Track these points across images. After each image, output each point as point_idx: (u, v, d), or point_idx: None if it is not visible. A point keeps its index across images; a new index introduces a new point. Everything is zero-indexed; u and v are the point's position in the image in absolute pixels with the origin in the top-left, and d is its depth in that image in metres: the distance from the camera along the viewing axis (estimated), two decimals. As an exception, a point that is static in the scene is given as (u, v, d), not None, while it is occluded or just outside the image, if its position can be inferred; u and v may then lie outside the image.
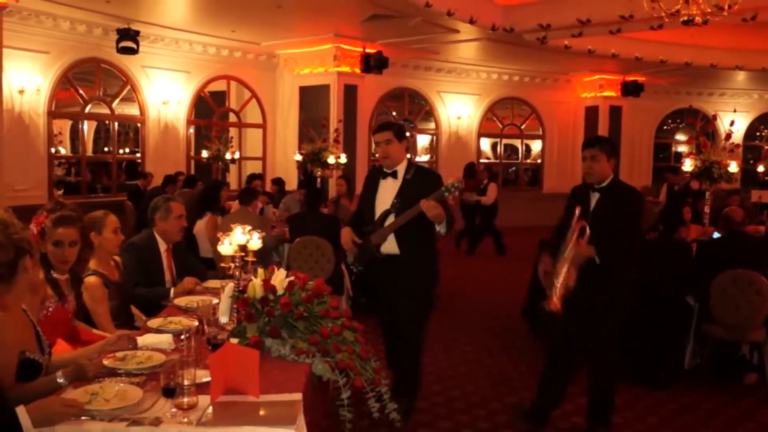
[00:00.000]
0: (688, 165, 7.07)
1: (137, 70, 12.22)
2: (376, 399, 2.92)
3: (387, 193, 4.39)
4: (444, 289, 8.27)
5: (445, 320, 7.27)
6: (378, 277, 4.49)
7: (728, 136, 7.00)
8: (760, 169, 13.36)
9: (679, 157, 18.25)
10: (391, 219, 4.32)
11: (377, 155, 4.50)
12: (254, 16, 11.11)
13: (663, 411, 4.75)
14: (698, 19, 7.57)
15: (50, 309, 3.17)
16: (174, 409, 2.25)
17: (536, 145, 17.96)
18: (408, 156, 4.57)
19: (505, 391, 5.11)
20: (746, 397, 5.06)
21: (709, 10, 7.55)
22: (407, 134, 4.54)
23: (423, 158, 16.97)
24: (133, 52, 11.39)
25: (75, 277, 3.42)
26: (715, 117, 7.27)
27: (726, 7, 7.31)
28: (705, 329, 5.31)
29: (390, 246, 4.35)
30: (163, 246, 4.42)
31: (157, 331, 3.25)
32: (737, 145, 7.64)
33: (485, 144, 17.54)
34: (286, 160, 13.17)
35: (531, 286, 6.88)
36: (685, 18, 7.64)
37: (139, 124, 12.79)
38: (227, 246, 3.52)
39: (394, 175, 4.40)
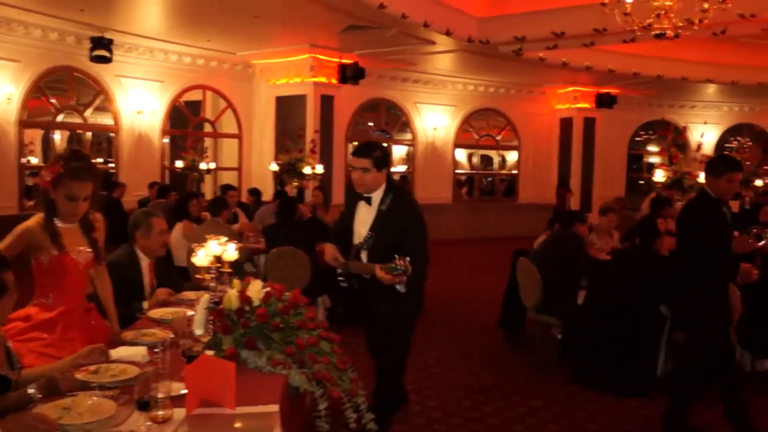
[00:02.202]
0: (659, 176, 7.18)
1: (111, 80, 12.10)
2: (353, 410, 2.91)
3: (364, 218, 4.25)
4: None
5: (420, 330, 7.26)
6: (361, 297, 4.41)
7: (698, 147, 7.13)
8: None
9: (651, 167, 18.54)
10: (364, 254, 4.21)
11: (352, 178, 4.26)
12: (230, 25, 11.08)
13: (637, 418, 4.80)
14: (670, 33, 7.72)
15: (44, 261, 3.20)
16: (149, 423, 2.22)
17: (512, 156, 18.12)
18: (387, 178, 4.26)
19: (482, 400, 5.12)
20: (717, 403, 5.10)
21: (680, 24, 7.70)
22: (387, 162, 4.25)
23: (400, 168, 17.03)
24: (106, 60, 11.29)
25: (86, 224, 3.38)
26: (685, 129, 7.40)
27: (697, 21, 7.46)
28: (675, 336, 5.37)
29: (371, 269, 4.23)
30: (145, 261, 4.34)
31: (131, 343, 3.20)
32: (708, 156, 7.77)
33: (461, 155, 17.66)
34: (262, 170, 13.12)
35: (506, 297, 6.92)
36: (657, 32, 7.78)
37: (112, 134, 12.66)
38: (202, 257, 3.49)
39: (369, 201, 4.20)
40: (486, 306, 8.06)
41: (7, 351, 2.55)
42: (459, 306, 8.77)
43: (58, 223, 3.26)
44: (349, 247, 4.30)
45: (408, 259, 3.85)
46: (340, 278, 4.42)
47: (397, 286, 4.05)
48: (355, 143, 16.22)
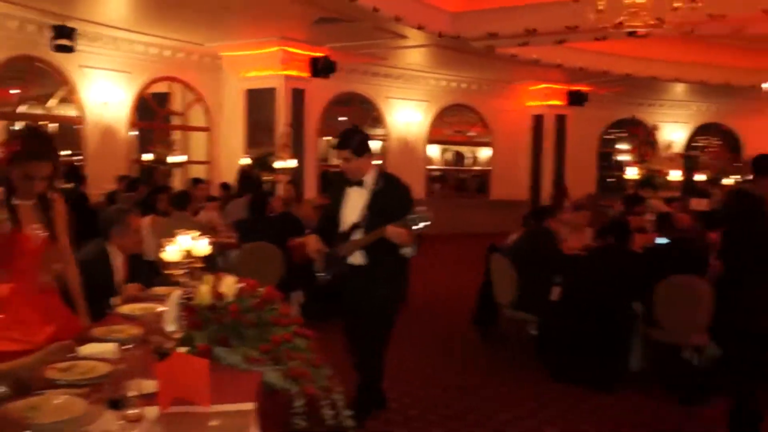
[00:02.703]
0: (631, 173, 7.23)
1: (75, 70, 11.77)
2: (330, 406, 2.85)
3: (354, 203, 4.31)
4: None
5: (395, 327, 7.22)
6: (344, 286, 4.43)
7: (669, 146, 7.20)
8: (699, 177, 13.82)
9: (620, 165, 18.74)
10: (359, 233, 4.26)
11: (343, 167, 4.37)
12: (198, 16, 10.88)
13: (610, 412, 4.83)
14: (641, 30, 7.78)
15: None
16: (121, 422, 2.13)
17: (484, 152, 18.18)
18: (376, 163, 4.47)
19: (457, 397, 5.11)
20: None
21: (651, 23, 7.76)
22: (369, 146, 4.39)
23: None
24: (69, 50, 10.96)
25: (44, 203, 3.26)
26: (655, 127, 7.47)
27: (666, 20, 7.52)
28: (649, 333, 5.41)
29: (357, 257, 4.30)
30: (119, 259, 4.23)
31: (101, 340, 3.09)
32: (679, 155, 7.87)
33: (434, 151, 17.65)
34: (232, 164, 12.93)
35: (481, 294, 6.90)
36: (629, 29, 7.84)
37: (77, 126, 12.37)
38: (172, 252, 3.40)
39: (360, 184, 4.31)
40: (460, 303, 8.04)
41: None
42: (433, 303, 8.75)
43: (15, 200, 3.14)
44: (334, 237, 4.35)
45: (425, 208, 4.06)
46: (319, 273, 4.44)
47: (406, 250, 4.17)
48: (328, 138, 16.17)
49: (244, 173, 11.68)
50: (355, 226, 4.28)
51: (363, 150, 4.29)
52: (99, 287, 3.99)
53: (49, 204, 3.30)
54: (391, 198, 4.25)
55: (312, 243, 4.41)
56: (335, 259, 4.35)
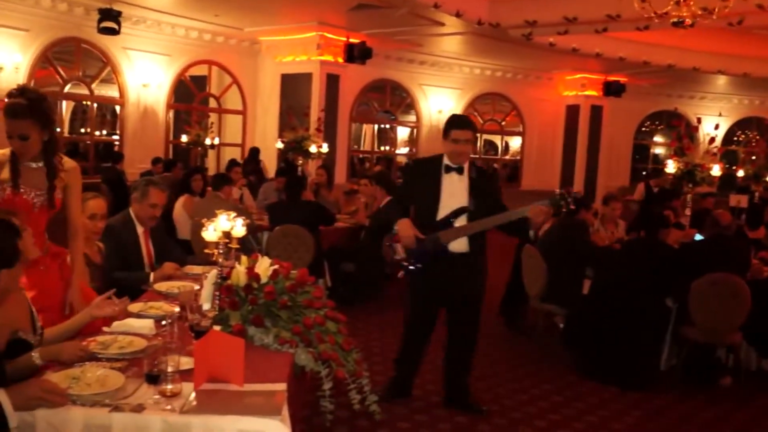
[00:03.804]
0: (671, 167, 7.12)
1: (118, 52, 12.01)
2: (357, 391, 2.89)
3: (454, 189, 4.21)
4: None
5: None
6: (436, 275, 4.25)
7: (712, 139, 7.07)
8: (740, 173, 13.50)
9: (657, 158, 18.42)
10: (463, 219, 4.18)
11: (449, 150, 4.22)
12: (238, 1, 10.97)
13: (637, 412, 4.76)
14: (688, 21, 7.62)
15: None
16: (157, 396, 2.20)
17: (515, 142, 18.03)
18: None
19: (481, 388, 5.10)
20: (720, 401, 5.11)
21: (699, 13, 7.59)
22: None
23: (403, 150, 16.95)
24: (114, 32, 11.18)
25: (50, 169, 3.17)
26: (699, 121, 7.34)
27: (715, 10, 7.36)
28: (682, 331, 5.33)
29: (459, 244, 4.22)
30: (140, 228, 4.34)
31: (138, 316, 3.18)
32: (720, 149, 7.72)
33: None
34: (266, 147, 13.04)
35: (509, 285, 6.86)
36: (675, 19, 7.68)
37: (117, 107, 12.58)
38: (211, 232, 3.46)
39: (460, 170, 4.23)
40: (488, 293, 7.97)
41: (32, 314, 2.55)
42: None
43: (25, 161, 3.10)
44: (426, 224, 4.20)
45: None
46: (404, 263, 4.26)
47: (532, 232, 4.25)
48: (358, 123, 16.20)
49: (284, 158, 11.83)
50: (459, 212, 4.18)
51: (476, 137, 4.28)
52: (124, 252, 4.11)
53: (55, 170, 3.20)
54: (486, 185, 4.30)
55: (407, 229, 4.15)
56: (434, 247, 4.17)
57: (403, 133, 17.11)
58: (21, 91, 3.05)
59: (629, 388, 5.10)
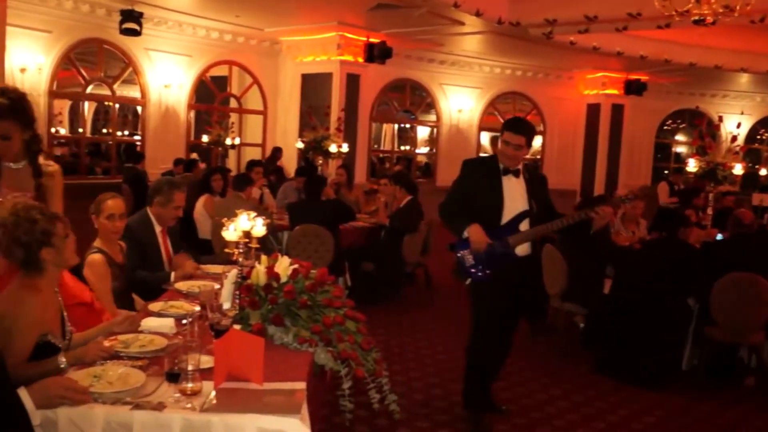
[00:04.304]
0: (692, 166, 7.05)
1: (140, 53, 12.13)
2: (376, 390, 2.90)
3: (514, 192, 4.12)
4: (441, 280, 8.28)
5: (444, 315, 7.27)
6: (504, 280, 4.12)
7: (734, 138, 6.99)
8: (763, 172, 13.32)
9: (678, 157, 18.21)
10: (525, 223, 4.11)
11: (501, 151, 4.10)
12: (258, 2, 11.05)
13: (659, 412, 4.73)
14: (709, 18, 7.54)
15: None
16: (177, 394, 2.22)
17: (536, 141, 17.92)
18: None
19: (501, 387, 5.08)
20: (743, 401, 5.06)
21: (720, 11, 7.50)
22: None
23: (423, 150, 16.93)
24: (136, 33, 11.31)
25: (34, 169, 3.17)
26: (720, 119, 7.25)
27: (737, 7, 7.27)
28: (705, 331, 5.28)
29: (523, 248, 4.17)
30: (158, 228, 4.40)
31: (158, 315, 3.21)
32: (743, 148, 7.63)
33: (485, 138, 17.50)
34: (286, 147, 13.11)
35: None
36: (697, 17, 7.60)
37: (139, 107, 12.71)
38: (232, 232, 3.48)
39: (516, 173, 4.14)
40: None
41: (62, 318, 2.59)
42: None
43: (6, 163, 3.08)
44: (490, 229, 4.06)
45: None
46: (473, 270, 4.12)
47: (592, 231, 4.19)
48: (378, 123, 16.20)
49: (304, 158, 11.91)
50: (522, 216, 4.11)
51: (532, 142, 4.26)
52: (143, 252, 4.16)
53: (39, 171, 3.19)
54: (540, 186, 4.26)
55: (479, 234, 4.01)
56: (503, 252, 4.07)
57: (423, 132, 17.09)
58: (1, 92, 3.03)
59: (650, 388, 5.06)
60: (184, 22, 12.39)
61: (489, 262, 4.07)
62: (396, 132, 17.99)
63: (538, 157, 17.57)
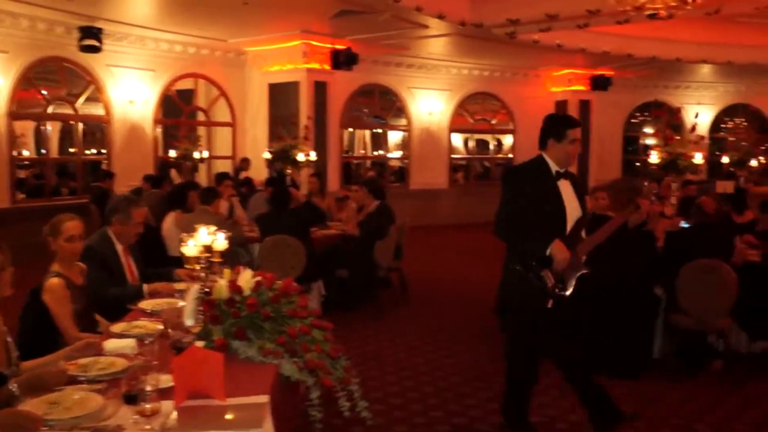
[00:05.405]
0: (654, 157, 7.15)
1: (102, 69, 11.98)
2: (346, 398, 2.89)
3: (569, 197, 3.85)
4: (416, 284, 8.30)
5: (417, 317, 7.27)
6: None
7: (693, 128, 7.09)
8: (725, 159, 13.55)
9: (647, 149, 18.49)
10: (582, 229, 3.90)
11: (565, 152, 3.83)
12: (220, 13, 10.99)
13: (633, 400, 4.75)
14: (662, 12, 7.65)
15: None
16: (136, 416, 2.18)
17: (507, 140, 18.04)
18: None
19: (480, 386, 5.10)
20: (713, 386, 5.13)
21: (673, 4, 7.62)
22: None
23: (395, 154, 16.95)
24: (96, 50, 11.18)
25: None
26: (679, 109, 7.36)
27: (690, 0, 7.39)
28: (673, 320, 5.35)
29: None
30: (119, 246, 4.34)
31: (120, 336, 3.17)
32: (702, 137, 7.75)
33: (457, 139, 17.57)
34: (256, 158, 13.05)
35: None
36: (650, 12, 7.71)
37: (104, 124, 12.57)
38: (191, 247, 3.45)
39: (566, 175, 3.87)
40: (482, 290, 8.01)
41: (7, 346, 2.53)
42: (455, 290, 8.75)
43: None
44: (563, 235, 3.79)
45: None
46: (557, 289, 3.76)
47: None
48: (350, 129, 16.20)
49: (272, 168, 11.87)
50: (580, 223, 3.86)
51: None
52: (106, 270, 4.10)
53: None
54: (581, 187, 4.00)
55: (563, 250, 3.70)
56: (577, 266, 3.80)
57: (395, 137, 17.11)
58: None
59: (626, 378, 5.09)
60: (146, 37, 12.28)
61: (567, 278, 3.78)
62: (370, 138, 18.00)
63: (511, 156, 17.69)
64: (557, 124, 3.92)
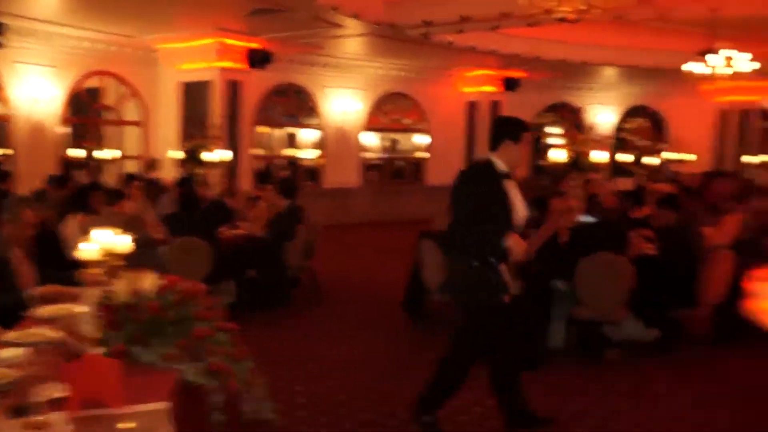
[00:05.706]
0: (555, 156, 7.42)
1: (6, 66, 11.40)
2: (251, 400, 2.89)
3: (515, 197, 3.99)
4: (329, 282, 8.37)
5: (327, 317, 7.30)
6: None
7: (590, 128, 7.41)
8: (621, 157, 14.16)
9: (547, 148, 19.07)
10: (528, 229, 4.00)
11: (518, 154, 4.00)
12: (130, 7, 10.64)
13: (532, 390, 4.88)
14: (571, 16, 7.94)
15: None
16: (23, 430, 2.11)
17: (421, 140, 18.26)
18: None
19: (386, 382, 5.17)
20: (608, 372, 5.44)
21: (581, 8, 7.92)
22: None
23: (309, 154, 16.89)
24: (-1, 46, 10.63)
25: None
26: (580, 110, 7.69)
27: (595, 5, 7.69)
28: (574, 312, 5.57)
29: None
30: (12, 249, 4.18)
31: (14, 344, 3.04)
32: (606, 137, 8.12)
33: (372, 139, 17.66)
34: (166, 158, 12.72)
35: (411, 278, 6.98)
36: (559, 15, 7.99)
37: (5, 123, 11.97)
38: (92, 249, 3.37)
39: (510, 176, 4.00)
40: (389, 287, 8.10)
41: None
42: (363, 287, 8.88)
43: None
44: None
45: None
46: (508, 286, 3.94)
47: None
48: (267, 129, 16.01)
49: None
50: (529, 222, 4.01)
51: None
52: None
53: None
54: (520, 189, 4.12)
55: (520, 242, 3.80)
56: (527, 263, 4.00)
57: (309, 136, 17.03)
58: None
59: (525, 369, 5.22)
60: (52, 32, 11.74)
61: (518, 273, 3.94)
62: (286, 137, 17.85)
63: (425, 155, 17.91)
64: (515, 126, 4.07)
